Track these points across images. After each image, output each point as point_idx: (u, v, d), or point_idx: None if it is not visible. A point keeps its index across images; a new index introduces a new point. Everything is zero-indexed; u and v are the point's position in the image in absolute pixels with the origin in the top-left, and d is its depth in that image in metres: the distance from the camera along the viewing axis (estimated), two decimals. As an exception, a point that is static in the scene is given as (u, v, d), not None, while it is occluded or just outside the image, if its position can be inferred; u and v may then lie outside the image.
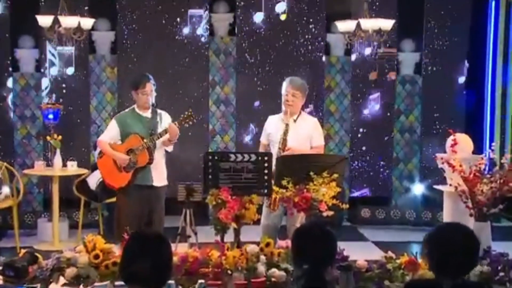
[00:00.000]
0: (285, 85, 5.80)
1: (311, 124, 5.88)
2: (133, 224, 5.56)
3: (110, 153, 5.95)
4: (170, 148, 6.06)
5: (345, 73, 8.97)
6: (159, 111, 6.06)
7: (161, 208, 6.01)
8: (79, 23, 7.08)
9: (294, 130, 5.74)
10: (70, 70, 8.44)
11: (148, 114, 6.00)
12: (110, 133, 6.05)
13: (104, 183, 6.22)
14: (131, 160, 5.88)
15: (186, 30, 8.77)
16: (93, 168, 7.78)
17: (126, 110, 6.22)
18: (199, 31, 8.78)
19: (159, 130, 5.94)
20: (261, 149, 5.98)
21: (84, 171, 7.63)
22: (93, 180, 7.52)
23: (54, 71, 8.49)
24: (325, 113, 8.90)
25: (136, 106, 6.05)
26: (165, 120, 6.03)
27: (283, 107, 5.82)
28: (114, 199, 7.51)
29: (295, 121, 5.79)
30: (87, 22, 7.26)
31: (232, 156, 5.04)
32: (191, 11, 8.73)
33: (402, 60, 9.03)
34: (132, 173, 5.90)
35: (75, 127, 8.55)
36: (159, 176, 5.99)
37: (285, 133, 5.68)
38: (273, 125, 5.90)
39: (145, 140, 5.85)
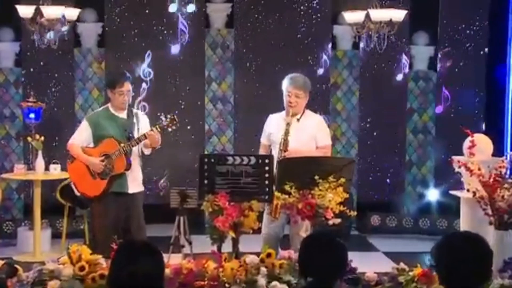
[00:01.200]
0: (286, 84, 5.79)
1: (316, 122, 5.88)
2: (110, 233, 5.54)
3: (83, 158, 5.93)
4: (148, 151, 6.05)
5: (353, 68, 8.96)
6: (134, 110, 6.06)
7: (138, 214, 6.00)
8: (63, 14, 7.08)
9: (297, 130, 5.73)
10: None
11: (123, 114, 5.98)
12: (82, 135, 6.03)
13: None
14: (107, 166, 5.87)
15: (180, 21, 8.76)
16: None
17: (99, 109, 6.21)
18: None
19: (135, 132, 5.93)
20: (261, 151, 5.97)
21: (68, 174, 7.61)
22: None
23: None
24: (331, 112, 8.90)
25: (110, 106, 6.03)
26: (142, 121, 6.02)
27: (285, 106, 5.82)
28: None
29: (298, 120, 5.79)
30: (72, 13, 7.25)
31: (230, 159, 5.04)
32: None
33: (415, 55, 9.02)
34: (107, 180, 5.90)
35: (58, 127, 8.53)
36: (134, 182, 6.00)
37: (286, 133, 5.67)
38: (275, 124, 5.90)
39: (122, 145, 5.83)
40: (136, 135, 5.91)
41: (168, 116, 5.86)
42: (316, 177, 4.93)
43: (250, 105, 8.79)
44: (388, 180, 9.04)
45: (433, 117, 8.98)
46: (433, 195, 8.93)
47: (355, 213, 5.11)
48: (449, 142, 8.44)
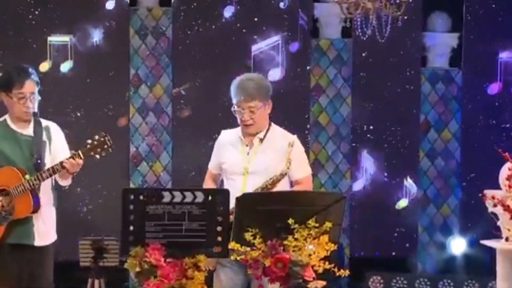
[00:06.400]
0: (234, 93, 5.76)
1: (288, 144, 5.87)
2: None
3: None
4: (67, 182, 6.02)
5: (343, 65, 9.02)
6: (44, 122, 5.97)
7: (47, 276, 5.96)
8: None
9: (261, 155, 5.73)
10: None
11: (29, 130, 5.91)
12: None
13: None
14: (4, 207, 5.82)
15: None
16: None
17: None
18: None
19: (47, 156, 5.87)
20: (207, 181, 5.97)
21: None
22: None
23: None
24: (312, 126, 8.94)
25: (8, 117, 5.95)
26: (55, 138, 5.95)
27: (241, 127, 5.80)
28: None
29: (261, 140, 5.79)
30: None
31: (167, 195, 5.03)
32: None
33: (430, 46, 9.13)
34: (4, 227, 5.81)
35: None
36: (44, 231, 5.93)
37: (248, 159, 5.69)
38: (229, 146, 5.89)
39: (27, 177, 5.76)
40: (47, 161, 5.86)
41: (97, 137, 5.82)
42: (291, 221, 4.96)
43: (195, 117, 8.80)
44: (393, 225, 9.09)
45: (457, 134, 9.08)
46: (458, 246, 9.00)
47: (347, 272, 5.14)
48: (480, 170, 8.55)
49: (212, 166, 6.01)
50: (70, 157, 5.70)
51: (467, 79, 9.10)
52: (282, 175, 5.57)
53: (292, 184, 5.81)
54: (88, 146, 5.75)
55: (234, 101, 5.73)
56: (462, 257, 8.99)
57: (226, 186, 5.77)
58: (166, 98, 8.86)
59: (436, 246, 9.09)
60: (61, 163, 5.71)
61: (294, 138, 5.90)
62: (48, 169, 5.74)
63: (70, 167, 5.69)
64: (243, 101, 5.69)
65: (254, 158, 5.73)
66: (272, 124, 5.87)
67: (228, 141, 5.93)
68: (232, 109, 5.74)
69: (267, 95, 5.77)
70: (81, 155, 5.70)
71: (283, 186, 5.74)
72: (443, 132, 9.12)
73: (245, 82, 5.74)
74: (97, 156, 5.77)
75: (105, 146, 5.76)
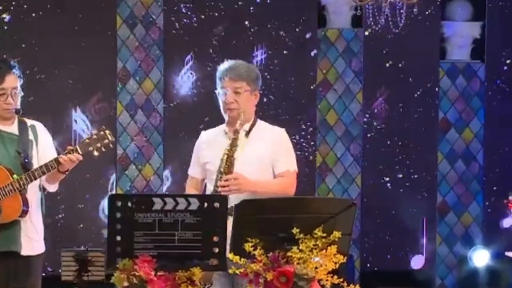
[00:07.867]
0: (220, 75, 5.80)
1: (275, 138, 5.87)
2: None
3: None
4: (54, 187, 6.03)
5: (354, 58, 9.02)
6: (29, 122, 6.00)
7: None
8: None
9: (246, 148, 5.73)
10: None
11: (13, 128, 5.95)
12: None
13: None
14: None
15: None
16: None
17: None
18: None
19: (34, 155, 5.89)
20: (189, 189, 5.98)
21: None
22: None
23: None
24: (318, 126, 8.95)
25: None
26: (42, 137, 5.97)
27: (224, 115, 5.82)
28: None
29: (247, 134, 5.81)
30: None
31: (158, 202, 5.03)
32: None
33: (449, 36, 9.13)
34: None
35: None
36: (31, 238, 5.94)
37: (232, 149, 5.67)
38: (210, 143, 5.90)
39: (15, 176, 5.80)
40: (35, 160, 5.88)
41: (95, 131, 5.83)
42: (295, 231, 4.97)
43: (189, 115, 8.81)
44: (409, 235, 9.09)
45: (480, 134, 9.08)
46: (480, 258, 9.00)
47: (358, 287, 5.15)
48: (505, 174, 8.55)
49: (193, 171, 6.02)
50: (66, 152, 5.73)
51: (490, 73, 9.09)
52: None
53: (275, 177, 5.84)
54: (87, 140, 5.78)
55: (218, 83, 5.78)
56: (485, 271, 8.98)
57: (209, 189, 5.80)
58: (157, 94, 8.86)
59: (456, 258, 9.09)
60: (56, 159, 5.73)
61: (281, 131, 5.93)
62: (40, 167, 5.75)
63: (67, 163, 5.71)
64: (229, 80, 5.72)
65: (239, 148, 5.74)
66: (257, 119, 5.90)
67: (209, 138, 5.96)
68: (216, 91, 5.79)
69: (256, 82, 5.80)
70: (79, 150, 5.72)
71: (268, 179, 5.79)
72: (464, 132, 9.12)
73: (234, 64, 5.79)
74: (96, 152, 5.80)
75: (105, 141, 5.79)
